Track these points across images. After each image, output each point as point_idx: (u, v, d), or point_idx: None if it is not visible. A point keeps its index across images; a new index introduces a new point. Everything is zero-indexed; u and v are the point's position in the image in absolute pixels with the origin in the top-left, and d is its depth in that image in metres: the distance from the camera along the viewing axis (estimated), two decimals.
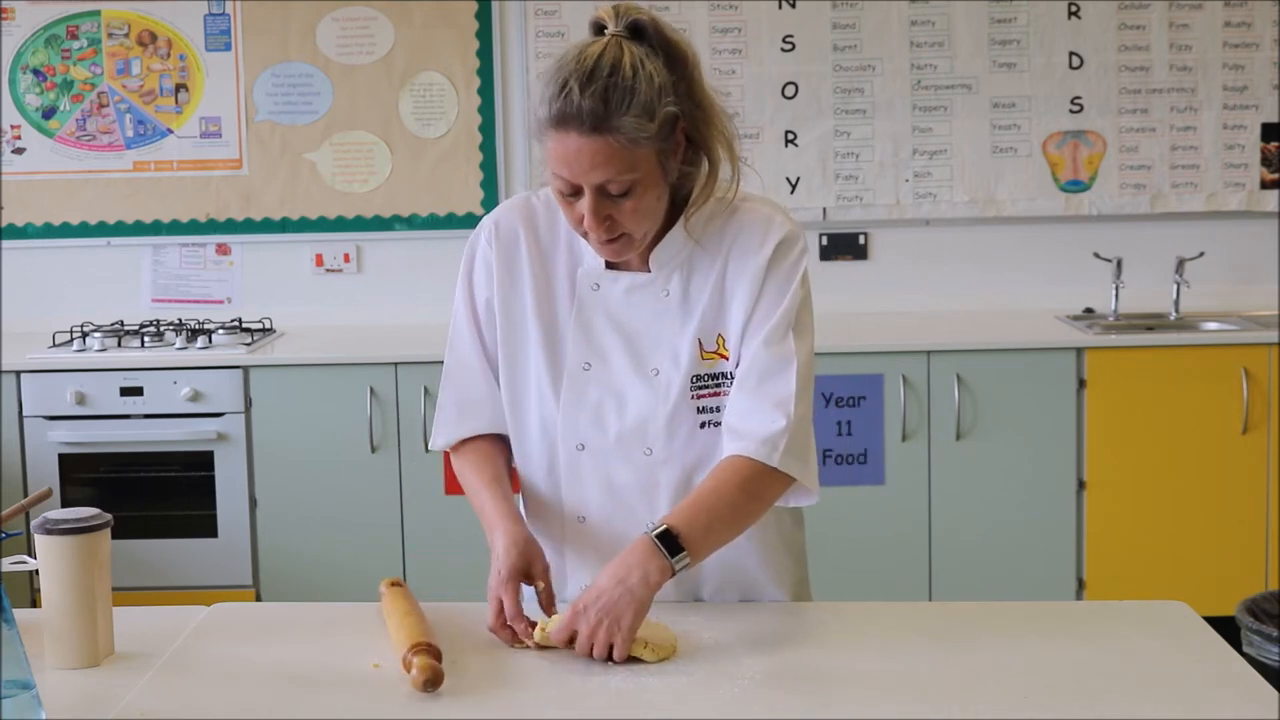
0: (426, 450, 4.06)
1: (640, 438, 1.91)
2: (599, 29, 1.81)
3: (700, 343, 1.90)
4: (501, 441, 2.01)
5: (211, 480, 4.06)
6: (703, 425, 1.91)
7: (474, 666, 1.71)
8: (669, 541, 1.76)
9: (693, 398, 1.90)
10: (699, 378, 1.90)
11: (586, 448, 1.93)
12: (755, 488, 1.84)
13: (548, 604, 1.84)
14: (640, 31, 1.79)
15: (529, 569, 1.85)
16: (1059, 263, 4.56)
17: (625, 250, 1.86)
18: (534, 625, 1.78)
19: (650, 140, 1.77)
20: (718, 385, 1.91)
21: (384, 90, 4.56)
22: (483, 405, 1.99)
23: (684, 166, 1.85)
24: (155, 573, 4.06)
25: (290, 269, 4.63)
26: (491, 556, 1.87)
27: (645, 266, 1.92)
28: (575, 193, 1.80)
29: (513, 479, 2.02)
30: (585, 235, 1.85)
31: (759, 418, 1.85)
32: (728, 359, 1.90)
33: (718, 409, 1.90)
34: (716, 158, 1.86)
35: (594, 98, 1.73)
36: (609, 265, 1.92)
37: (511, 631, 1.78)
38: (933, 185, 4.55)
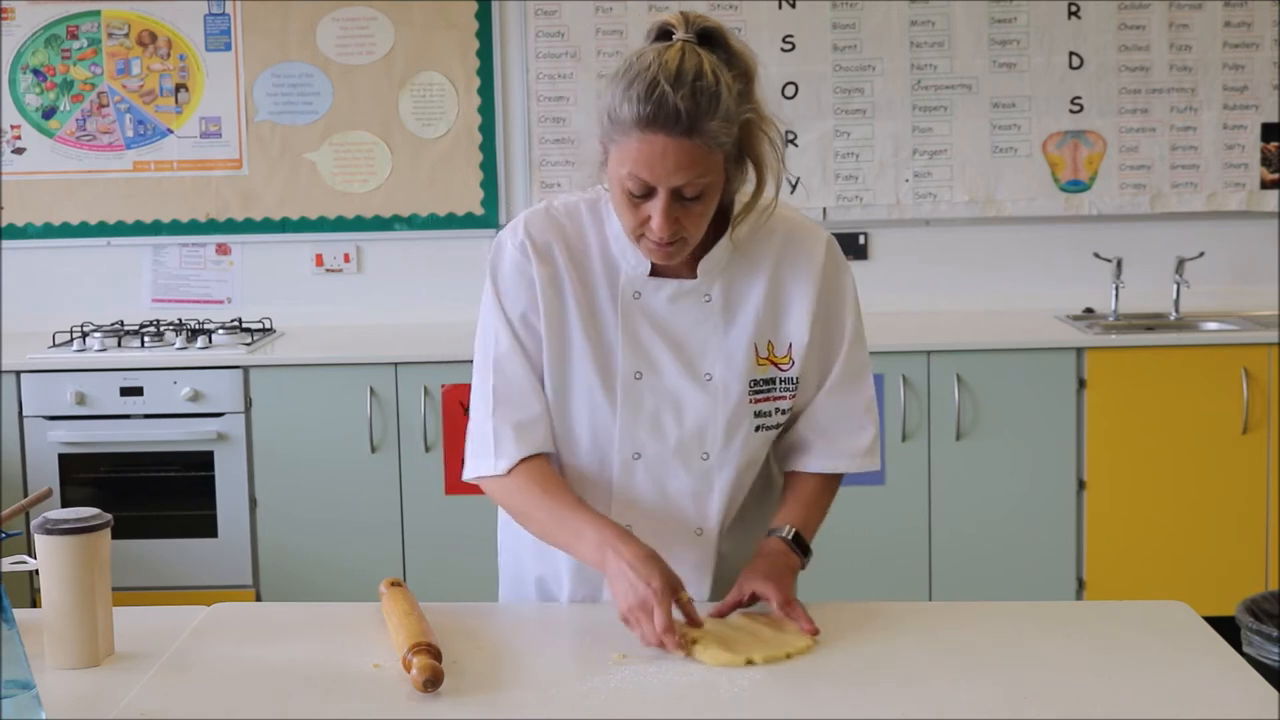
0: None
1: (699, 443, 1.93)
2: (665, 34, 1.79)
3: (755, 348, 1.92)
4: (555, 464, 1.95)
5: (211, 480, 4.06)
6: (757, 429, 1.94)
7: (474, 666, 1.71)
8: (801, 544, 1.93)
9: (751, 401, 1.93)
10: (756, 382, 1.93)
11: (643, 456, 1.93)
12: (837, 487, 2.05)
13: (694, 614, 1.76)
14: (710, 39, 1.79)
15: (675, 580, 1.77)
16: (1059, 263, 4.56)
17: (679, 253, 1.85)
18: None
19: (726, 146, 1.77)
20: (769, 390, 1.94)
21: (384, 90, 4.56)
22: (539, 423, 1.91)
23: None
24: (155, 573, 4.06)
25: (290, 269, 4.63)
26: (617, 569, 1.76)
27: (690, 273, 1.91)
28: (646, 194, 1.78)
29: None
30: (639, 238, 1.83)
31: (853, 425, 1.98)
32: (780, 365, 1.93)
33: (769, 413, 1.94)
34: (765, 167, 1.85)
35: (686, 100, 1.72)
36: (653, 272, 1.91)
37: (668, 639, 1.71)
38: (933, 185, 4.55)
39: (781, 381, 1.94)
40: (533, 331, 1.92)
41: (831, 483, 2.01)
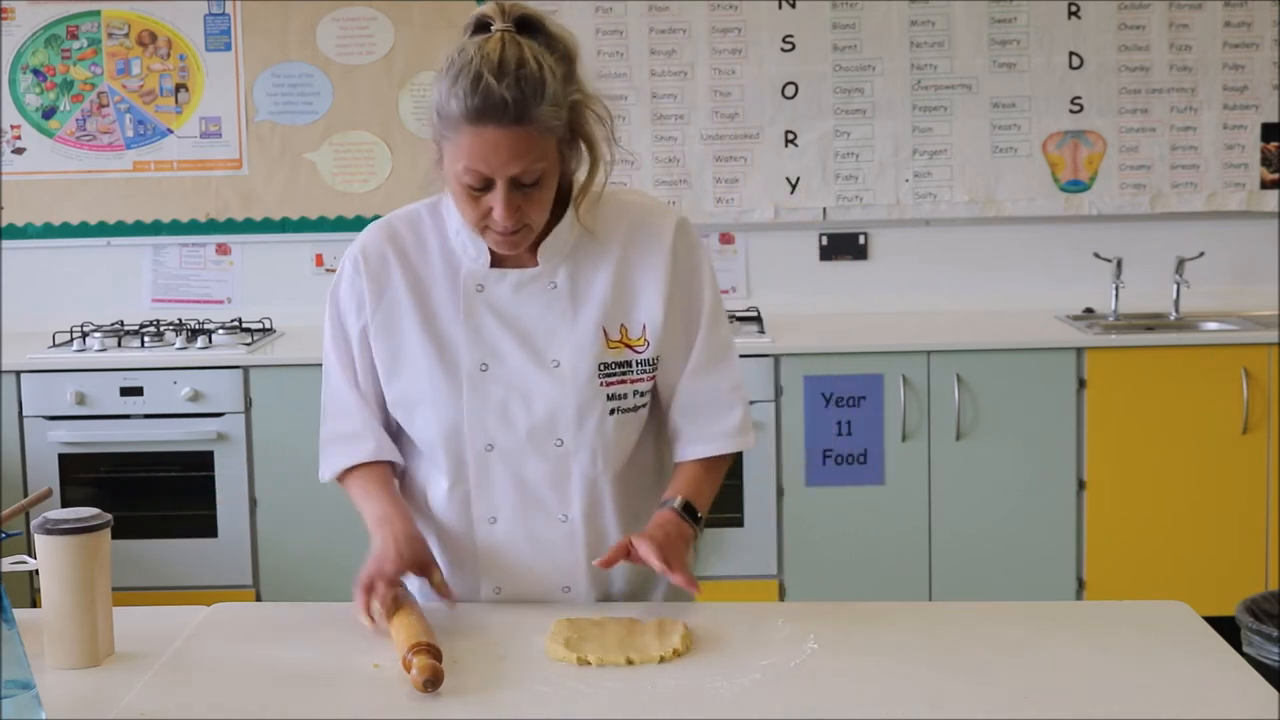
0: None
1: (550, 430, 1.93)
2: (483, 26, 1.82)
3: (605, 331, 1.93)
4: (388, 466, 2.01)
5: (211, 480, 4.06)
6: (612, 412, 1.94)
7: (474, 666, 1.71)
8: (691, 512, 1.94)
9: (601, 385, 1.93)
10: (606, 365, 1.93)
11: (495, 447, 1.94)
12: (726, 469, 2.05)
13: (445, 591, 1.89)
14: (529, 26, 1.81)
15: (423, 561, 1.90)
16: (1059, 263, 4.56)
17: (524, 241, 1.88)
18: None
19: (558, 129, 1.80)
20: (624, 373, 1.94)
21: (384, 90, 4.56)
22: (362, 436, 1.99)
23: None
24: (155, 573, 4.06)
25: (290, 269, 4.63)
26: (376, 546, 1.91)
27: (531, 260, 1.93)
28: (484, 187, 1.80)
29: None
30: (483, 230, 1.85)
31: (719, 407, 1.99)
32: (634, 348, 1.94)
33: (625, 395, 1.95)
34: (600, 147, 1.88)
35: (511, 90, 1.74)
36: (493, 264, 1.93)
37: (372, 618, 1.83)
38: (933, 185, 4.55)
39: (638, 364, 1.95)
40: (365, 344, 1.97)
41: (713, 465, 2.00)
